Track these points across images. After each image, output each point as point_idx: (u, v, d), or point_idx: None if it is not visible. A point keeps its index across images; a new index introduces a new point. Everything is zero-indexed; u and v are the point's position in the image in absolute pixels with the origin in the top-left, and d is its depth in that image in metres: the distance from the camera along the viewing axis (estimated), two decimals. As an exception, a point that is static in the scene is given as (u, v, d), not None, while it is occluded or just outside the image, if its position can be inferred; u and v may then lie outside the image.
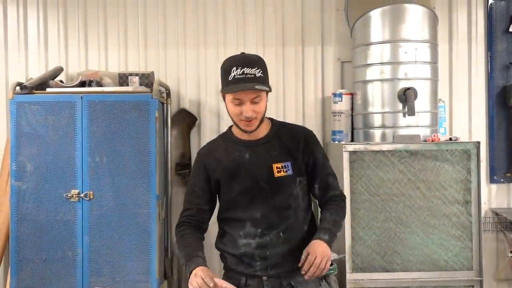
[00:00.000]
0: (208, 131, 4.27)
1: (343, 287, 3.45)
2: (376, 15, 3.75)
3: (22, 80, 3.94)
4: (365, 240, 3.49)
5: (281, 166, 2.32)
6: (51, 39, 4.31)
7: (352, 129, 4.01)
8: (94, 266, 3.63)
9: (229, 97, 2.20)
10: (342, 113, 3.94)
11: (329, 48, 4.34)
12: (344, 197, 2.52)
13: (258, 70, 2.15)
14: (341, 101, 3.93)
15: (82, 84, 3.81)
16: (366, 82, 3.81)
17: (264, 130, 2.36)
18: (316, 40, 4.34)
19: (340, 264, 3.43)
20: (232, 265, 2.38)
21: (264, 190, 2.32)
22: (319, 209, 2.48)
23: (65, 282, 3.67)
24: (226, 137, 2.44)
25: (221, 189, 2.39)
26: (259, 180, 2.31)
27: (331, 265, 3.15)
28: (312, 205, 2.53)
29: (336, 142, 3.87)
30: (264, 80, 2.17)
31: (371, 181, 3.45)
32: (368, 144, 3.62)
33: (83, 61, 4.28)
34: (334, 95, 3.99)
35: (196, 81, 4.34)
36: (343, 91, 3.98)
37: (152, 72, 3.97)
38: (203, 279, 2.01)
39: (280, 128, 2.41)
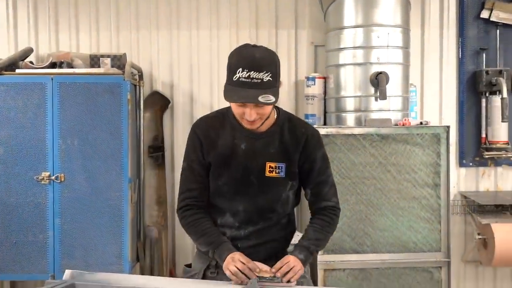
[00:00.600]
0: (180, 114, 4.28)
1: (315, 269, 3.45)
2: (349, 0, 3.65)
3: None
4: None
5: (275, 166, 2.23)
6: (21, 19, 4.28)
7: (325, 112, 4.01)
8: (66, 249, 3.62)
9: None
10: (315, 96, 3.95)
11: (303, 31, 4.34)
12: (338, 210, 2.36)
13: (266, 74, 1.94)
14: (314, 84, 3.94)
15: (53, 65, 3.79)
16: (338, 66, 3.84)
17: (268, 123, 2.20)
18: (290, 24, 4.35)
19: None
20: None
21: (252, 185, 2.25)
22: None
23: (37, 265, 3.67)
24: (227, 118, 2.28)
25: (210, 173, 2.29)
26: (250, 174, 2.23)
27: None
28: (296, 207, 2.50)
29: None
30: (271, 85, 1.94)
31: (343, 164, 3.49)
32: (340, 127, 3.68)
33: (54, 42, 4.26)
34: (307, 78, 4.02)
35: (169, 63, 4.32)
36: (316, 74, 4.01)
37: (124, 54, 3.98)
38: (244, 264, 2.03)
39: (284, 123, 2.28)
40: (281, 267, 2.04)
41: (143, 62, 4.22)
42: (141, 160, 4.07)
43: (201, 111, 4.02)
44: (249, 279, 2.00)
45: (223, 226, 2.31)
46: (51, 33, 4.26)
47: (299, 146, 2.25)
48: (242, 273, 2.01)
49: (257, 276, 2.04)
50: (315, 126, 3.58)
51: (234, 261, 2.02)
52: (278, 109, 2.26)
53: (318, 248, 2.30)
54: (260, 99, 1.92)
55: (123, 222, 3.64)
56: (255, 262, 2.07)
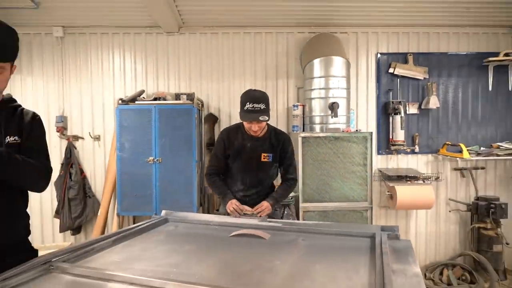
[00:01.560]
0: (223, 125, 4.19)
1: (298, 211, 3.53)
2: (317, 62, 3.86)
3: (122, 96, 3.99)
4: (309, 185, 3.62)
5: (266, 155, 2.43)
6: (138, 74, 4.31)
7: (303, 124, 3.99)
8: (161, 199, 3.73)
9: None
10: (298, 115, 4.02)
11: (291, 80, 4.36)
12: (296, 180, 2.57)
13: (262, 105, 2.22)
14: (297, 109, 4.01)
15: (155, 99, 3.87)
16: (311, 99, 3.90)
17: (264, 131, 2.44)
18: (284, 76, 4.35)
19: (296, 198, 3.49)
20: None
21: (253, 166, 2.45)
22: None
23: (146, 207, 3.75)
24: (240, 129, 2.49)
25: (229, 159, 2.49)
26: (251, 160, 2.44)
27: (291, 199, 3.30)
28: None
29: (295, 131, 3.92)
30: (266, 111, 2.24)
31: (313, 153, 3.60)
32: (312, 133, 3.71)
33: (155, 86, 4.32)
34: (294, 106, 4.07)
35: (217, 97, 4.33)
36: (298, 103, 4.06)
37: (193, 93, 4.06)
38: (237, 205, 2.27)
39: (271, 132, 2.50)
40: (257, 208, 2.30)
41: (203, 97, 4.29)
42: (202, 151, 4.12)
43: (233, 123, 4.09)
44: (240, 214, 2.27)
45: (237, 189, 2.50)
46: (154, 81, 4.31)
47: (279, 145, 2.46)
48: (236, 211, 2.27)
49: (244, 214, 2.30)
50: (297, 132, 3.79)
51: (232, 204, 2.29)
52: (268, 125, 2.49)
53: (281, 198, 2.48)
54: (260, 118, 2.20)
55: (193, 184, 3.69)
56: (244, 205, 2.32)
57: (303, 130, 3.95)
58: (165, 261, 1.47)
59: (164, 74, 4.28)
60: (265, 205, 2.33)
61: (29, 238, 1.64)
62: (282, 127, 4.30)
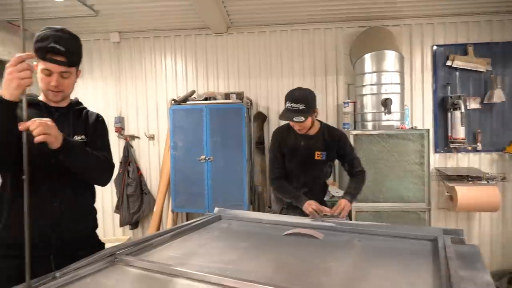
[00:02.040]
0: (272, 124, 4.28)
1: (350, 211, 3.42)
2: (368, 57, 3.75)
3: (174, 97, 4.19)
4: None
5: (320, 153, 2.36)
6: (189, 75, 4.46)
7: (355, 122, 3.91)
8: (213, 196, 3.80)
9: None
10: (348, 113, 3.92)
11: (341, 76, 4.28)
12: (364, 172, 2.45)
13: (301, 105, 2.16)
14: (348, 106, 3.92)
15: (206, 99, 3.98)
16: (362, 95, 3.80)
17: (315, 129, 2.38)
18: (333, 72, 4.29)
19: (348, 197, 3.44)
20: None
21: (307, 165, 2.40)
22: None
23: (199, 204, 3.88)
24: (292, 128, 2.42)
25: (285, 158, 2.46)
26: (305, 159, 2.39)
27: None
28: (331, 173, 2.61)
29: (346, 129, 3.84)
30: (304, 111, 2.16)
31: (366, 151, 3.51)
32: (364, 130, 3.63)
33: (206, 86, 4.44)
34: (344, 103, 3.99)
35: (265, 96, 4.37)
36: (348, 100, 3.97)
37: (242, 92, 4.10)
38: (317, 206, 2.16)
39: (324, 129, 2.43)
40: (336, 209, 2.16)
41: (252, 95, 4.34)
42: (252, 149, 4.16)
43: (282, 123, 4.05)
44: (319, 215, 2.15)
45: (293, 187, 2.45)
46: (204, 81, 4.44)
47: (334, 142, 2.38)
48: (316, 212, 2.16)
49: (324, 215, 2.18)
50: (348, 130, 3.68)
51: (311, 205, 2.17)
52: (321, 122, 2.42)
53: (357, 192, 2.37)
54: (294, 119, 2.15)
55: (243, 182, 3.75)
56: (323, 206, 2.19)
57: (355, 128, 3.85)
58: (220, 257, 1.50)
59: (213, 74, 4.39)
60: (343, 204, 2.20)
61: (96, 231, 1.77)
62: (332, 124, 4.17)
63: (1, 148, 1.26)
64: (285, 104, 2.24)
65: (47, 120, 1.27)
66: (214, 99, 3.95)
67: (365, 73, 3.70)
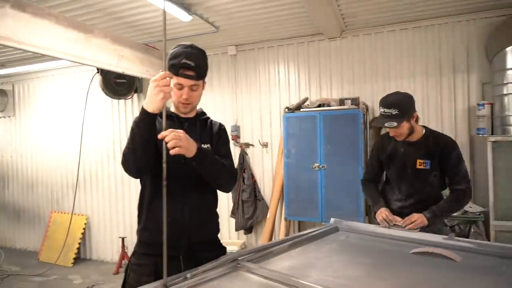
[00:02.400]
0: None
1: (487, 230, 3.05)
2: (510, 50, 3.25)
3: (288, 105, 4.23)
4: (504, 199, 3.07)
5: (422, 162, 2.22)
6: (301, 82, 4.47)
7: (492, 126, 3.45)
8: (327, 205, 3.71)
9: None
10: (484, 116, 3.47)
11: (473, 74, 3.80)
12: (466, 192, 2.19)
13: (394, 110, 2.08)
14: (483, 108, 3.47)
15: (319, 106, 3.92)
16: (503, 95, 3.32)
17: (417, 135, 2.24)
18: (463, 70, 3.82)
19: (485, 214, 2.97)
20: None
21: (408, 174, 2.29)
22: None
23: (312, 213, 3.82)
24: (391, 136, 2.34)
25: (384, 165, 2.43)
26: (406, 167, 2.30)
27: (478, 215, 2.86)
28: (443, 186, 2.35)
29: (481, 135, 3.44)
30: (397, 116, 2.08)
31: (508, 160, 3.07)
32: (505, 136, 3.19)
33: (318, 93, 4.39)
34: (478, 105, 3.54)
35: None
36: (484, 102, 3.52)
37: (358, 97, 3.93)
38: (387, 215, 2.13)
39: (429, 135, 2.27)
40: (406, 221, 2.09)
41: (368, 101, 4.15)
42: (368, 157, 3.92)
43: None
44: (389, 224, 2.11)
45: (395, 199, 2.35)
46: (317, 88, 4.40)
47: (438, 150, 2.20)
48: (385, 221, 2.13)
49: (394, 224, 2.12)
50: (485, 136, 3.30)
51: (381, 213, 2.16)
52: (426, 128, 2.29)
53: (444, 212, 2.18)
54: (386, 124, 2.09)
55: (359, 192, 3.49)
56: (394, 216, 2.14)
57: (492, 133, 3.39)
58: (344, 273, 1.43)
59: (326, 80, 4.31)
60: (415, 217, 2.08)
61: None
62: (462, 130, 3.78)
63: (144, 155, 1.42)
64: (379, 109, 2.19)
65: (180, 132, 1.38)
66: (328, 105, 3.85)
67: (507, 69, 3.20)
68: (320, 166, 3.70)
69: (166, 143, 1.32)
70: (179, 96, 1.56)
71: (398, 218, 2.13)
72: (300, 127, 3.83)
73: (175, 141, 1.33)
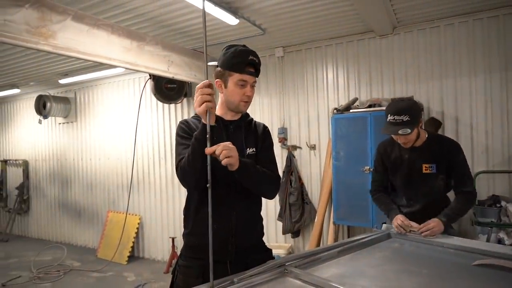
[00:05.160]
0: (449, 130, 3.77)
1: None
2: None
3: (336, 106, 4.18)
4: None
5: (428, 166, 2.21)
6: (350, 82, 4.35)
7: None
8: (378, 210, 3.47)
9: None
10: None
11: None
12: (474, 194, 2.24)
13: (405, 116, 2.04)
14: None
15: (370, 106, 3.80)
16: None
17: (421, 140, 2.23)
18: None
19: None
20: None
21: (415, 179, 2.26)
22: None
23: (362, 218, 3.70)
24: (396, 141, 2.27)
25: (389, 173, 2.37)
26: (412, 172, 2.26)
27: None
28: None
29: None
30: (409, 123, 2.04)
31: None
32: None
33: (369, 93, 4.24)
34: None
35: (439, 99, 3.84)
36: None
37: (412, 96, 3.82)
38: (403, 221, 2.08)
39: (432, 140, 2.25)
40: (423, 228, 2.02)
41: (423, 100, 3.93)
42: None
43: (464, 129, 3.63)
44: (406, 230, 2.07)
45: (402, 206, 2.33)
46: (367, 88, 4.26)
47: (443, 153, 2.20)
48: (401, 227, 2.08)
49: (411, 230, 2.07)
50: None
51: (397, 220, 2.11)
52: (428, 132, 2.27)
53: (457, 215, 2.16)
54: (400, 132, 2.04)
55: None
56: (411, 221, 2.09)
57: None
58: (396, 283, 1.37)
59: (377, 80, 4.16)
60: (433, 224, 2.03)
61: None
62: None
63: (202, 169, 1.39)
64: (386, 117, 2.13)
65: (228, 144, 1.40)
66: (379, 105, 3.65)
67: None
68: (371, 169, 3.52)
69: (217, 156, 1.34)
70: (242, 94, 1.58)
71: (415, 224, 2.08)
72: (349, 129, 3.73)
73: (226, 152, 1.35)
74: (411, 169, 2.26)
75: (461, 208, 2.18)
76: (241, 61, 1.53)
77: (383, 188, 2.44)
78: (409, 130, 2.04)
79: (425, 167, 2.22)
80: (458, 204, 2.18)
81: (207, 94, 1.35)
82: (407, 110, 2.07)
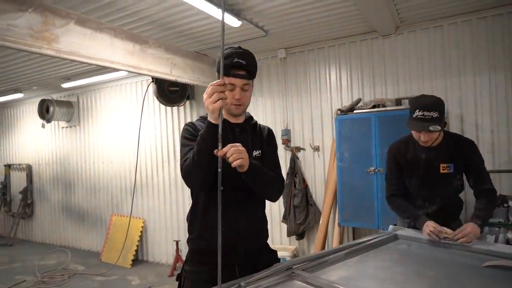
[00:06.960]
0: (454, 130, 3.66)
1: None
2: None
3: (339, 106, 4.18)
4: None
5: (446, 166, 2.16)
6: (354, 83, 4.33)
7: None
8: (383, 211, 3.55)
9: None
10: None
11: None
12: (495, 191, 2.17)
13: (435, 113, 1.97)
14: None
15: (374, 106, 3.81)
16: None
17: (439, 139, 2.16)
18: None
19: None
20: None
21: (432, 180, 2.20)
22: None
23: (368, 219, 3.69)
24: (411, 139, 2.24)
25: (404, 174, 2.29)
26: (429, 173, 2.20)
27: None
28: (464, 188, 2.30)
29: None
30: (439, 120, 1.98)
31: None
32: None
33: (372, 93, 4.23)
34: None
35: (444, 98, 3.72)
36: None
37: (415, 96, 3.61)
38: (435, 227, 1.94)
39: (448, 139, 2.20)
40: (458, 234, 1.87)
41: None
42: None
43: (469, 128, 3.61)
44: (439, 238, 1.91)
45: (417, 208, 2.24)
46: (370, 89, 4.22)
47: (461, 152, 2.15)
48: (434, 234, 1.92)
49: (444, 237, 1.92)
50: None
51: (428, 227, 1.95)
52: (443, 131, 2.19)
53: (489, 216, 2.10)
54: (431, 128, 1.97)
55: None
56: (443, 227, 1.94)
57: None
58: (404, 285, 1.35)
59: (381, 80, 4.14)
60: (469, 229, 1.88)
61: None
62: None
63: (209, 169, 1.39)
64: (413, 112, 2.05)
65: (238, 145, 1.37)
66: (383, 106, 3.68)
67: None
68: (376, 170, 3.55)
69: (227, 158, 1.32)
70: (231, 97, 1.54)
71: (448, 230, 1.94)
72: (353, 130, 3.71)
73: (237, 154, 1.33)
74: (428, 169, 2.19)
75: (490, 207, 2.11)
76: (227, 64, 1.48)
77: (400, 193, 2.31)
78: (439, 127, 1.97)
79: (443, 166, 2.16)
80: (485, 204, 2.09)
81: (221, 92, 1.31)
82: (437, 106, 2.00)
